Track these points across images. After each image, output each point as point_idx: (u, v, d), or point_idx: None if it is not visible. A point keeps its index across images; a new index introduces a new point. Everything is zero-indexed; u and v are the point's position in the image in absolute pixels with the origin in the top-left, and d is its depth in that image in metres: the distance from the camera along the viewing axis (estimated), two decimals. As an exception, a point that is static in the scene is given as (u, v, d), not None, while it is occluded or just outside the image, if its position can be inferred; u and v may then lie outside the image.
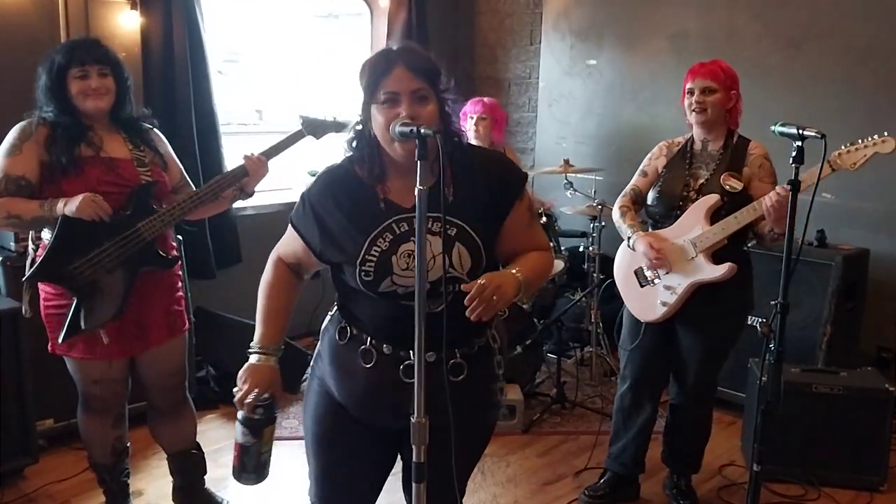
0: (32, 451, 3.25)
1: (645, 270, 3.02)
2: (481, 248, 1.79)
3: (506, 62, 5.73)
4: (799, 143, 2.23)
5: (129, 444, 2.95)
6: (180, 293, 2.82)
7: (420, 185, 1.58)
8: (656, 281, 2.98)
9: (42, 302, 2.62)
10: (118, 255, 2.53)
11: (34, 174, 2.50)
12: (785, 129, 2.29)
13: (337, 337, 1.92)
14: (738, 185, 2.84)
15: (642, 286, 3.04)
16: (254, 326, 1.97)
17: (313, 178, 1.92)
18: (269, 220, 4.36)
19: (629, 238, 3.00)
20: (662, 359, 3.10)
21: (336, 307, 1.98)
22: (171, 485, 3.02)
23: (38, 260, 2.50)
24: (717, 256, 2.85)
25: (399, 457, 2.06)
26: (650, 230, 3.03)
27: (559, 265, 4.26)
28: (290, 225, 1.92)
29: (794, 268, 2.24)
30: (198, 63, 4.18)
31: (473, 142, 4.43)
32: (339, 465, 1.99)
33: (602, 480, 3.26)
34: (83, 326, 2.51)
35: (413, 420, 1.66)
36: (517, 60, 5.67)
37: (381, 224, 1.79)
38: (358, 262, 1.77)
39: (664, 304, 2.96)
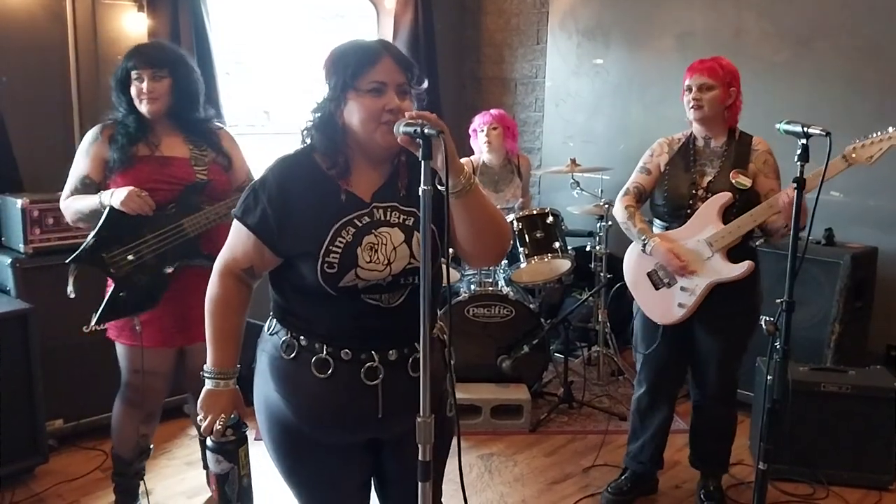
0: (42, 451, 3.27)
1: (659, 272, 3.00)
2: (436, 234, 1.73)
3: (512, 62, 5.72)
4: (804, 141, 2.23)
5: (151, 447, 2.99)
6: None
7: (425, 184, 1.56)
8: (672, 283, 2.97)
9: (107, 287, 2.73)
10: (158, 248, 2.64)
11: (97, 173, 2.70)
12: (790, 127, 2.29)
13: (282, 353, 1.82)
14: (748, 182, 2.84)
15: (657, 288, 3.02)
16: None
17: (266, 169, 1.82)
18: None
19: (644, 243, 2.97)
20: (678, 361, 3.10)
21: (273, 322, 1.88)
22: (178, 485, 3.05)
23: (84, 245, 2.63)
24: (729, 255, 2.85)
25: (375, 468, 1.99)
26: (658, 231, 3.02)
27: (566, 265, 4.26)
28: (236, 226, 1.81)
29: (799, 266, 2.24)
30: (205, 65, 4.18)
31: (487, 154, 4.44)
32: (320, 491, 1.93)
33: (622, 478, 3.27)
34: (116, 313, 2.63)
35: (418, 420, 1.64)
36: (524, 60, 5.66)
37: (344, 216, 1.75)
38: (321, 253, 1.72)
39: (682, 305, 2.94)
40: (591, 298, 4.58)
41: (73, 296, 2.71)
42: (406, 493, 1.71)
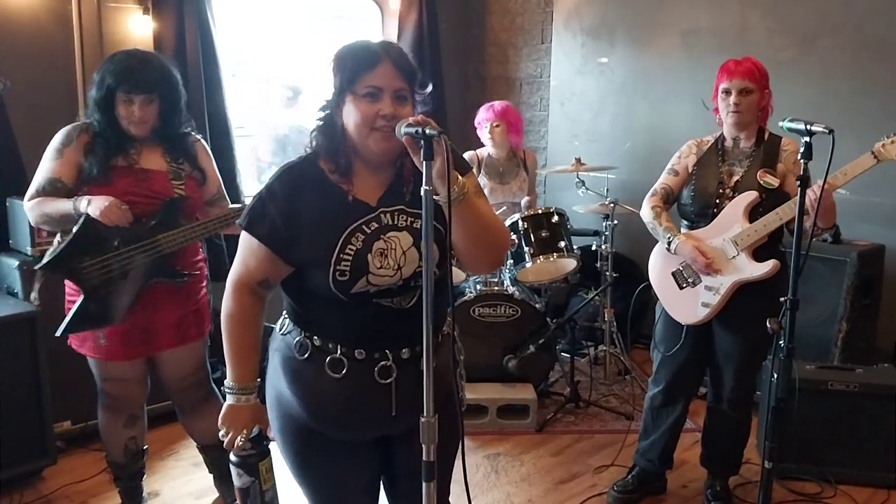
0: (50, 453, 3.28)
1: (683, 271, 2.97)
2: (444, 235, 1.71)
3: (517, 61, 5.72)
4: (807, 139, 2.22)
5: (145, 447, 2.99)
6: (201, 302, 2.84)
7: (426, 185, 1.56)
8: (697, 282, 2.94)
9: (66, 297, 2.70)
10: (131, 263, 2.57)
11: (70, 177, 2.59)
12: (793, 125, 2.28)
13: (295, 352, 1.82)
14: (775, 182, 2.82)
15: (681, 288, 2.98)
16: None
17: (271, 178, 1.80)
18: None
19: (668, 241, 2.94)
20: (698, 362, 3.08)
21: (286, 323, 1.89)
22: (185, 486, 3.08)
23: (55, 252, 2.56)
24: (755, 254, 2.84)
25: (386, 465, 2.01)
26: (684, 231, 3.00)
27: (572, 264, 4.25)
28: (245, 238, 1.79)
29: (803, 263, 2.23)
30: (210, 67, 4.20)
31: (491, 150, 4.44)
32: (328, 489, 1.94)
33: (630, 476, 3.26)
34: (82, 324, 2.57)
35: (422, 419, 1.64)
36: (528, 59, 5.66)
37: (352, 223, 1.75)
38: (332, 261, 1.72)
39: (706, 305, 2.91)
40: (597, 297, 4.58)
41: (37, 303, 2.66)
42: (414, 488, 1.72)
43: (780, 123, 2.34)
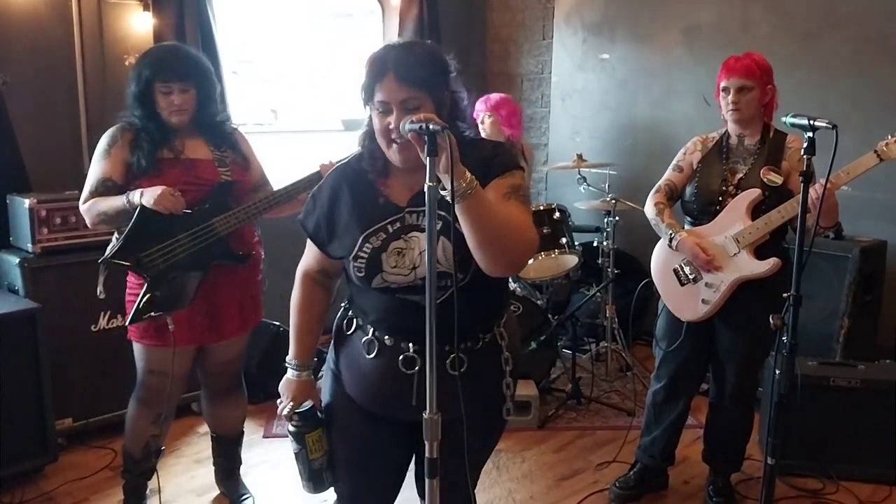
0: (51, 450, 3.28)
1: (684, 268, 2.97)
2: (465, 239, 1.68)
3: (518, 58, 5.71)
4: (810, 135, 2.21)
5: (163, 448, 3.01)
6: (258, 287, 2.92)
7: (429, 181, 1.56)
8: (697, 279, 2.94)
9: (128, 290, 2.75)
10: (190, 248, 2.64)
11: (119, 175, 2.66)
12: (796, 121, 2.26)
13: (345, 328, 1.98)
14: (778, 180, 2.81)
15: (682, 285, 2.98)
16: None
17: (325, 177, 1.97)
18: (290, 221, 4.36)
19: (670, 238, 2.94)
20: (699, 359, 3.07)
21: (346, 301, 2.03)
22: (187, 483, 3.08)
23: (116, 245, 2.61)
24: (757, 252, 2.83)
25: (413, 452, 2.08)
26: (687, 227, 2.99)
27: (573, 260, 4.25)
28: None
29: (806, 259, 2.22)
30: (211, 64, 4.18)
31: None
32: (357, 457, 2.02)
33: (631, 472, 3.26)
34: (150, 312, 2.61)
35: (425, 416, 1.65)
36: (530, 56, 5.65)
37: (378, 222, 1.83)
38: (351, 257, 1.82)
39: (706, 302, 2.91)
40: (598, 294, 4.57)
41: (102, 296, 2.72)
42: (443, 480, 1.73)
43: (784, 119, 2.33)
